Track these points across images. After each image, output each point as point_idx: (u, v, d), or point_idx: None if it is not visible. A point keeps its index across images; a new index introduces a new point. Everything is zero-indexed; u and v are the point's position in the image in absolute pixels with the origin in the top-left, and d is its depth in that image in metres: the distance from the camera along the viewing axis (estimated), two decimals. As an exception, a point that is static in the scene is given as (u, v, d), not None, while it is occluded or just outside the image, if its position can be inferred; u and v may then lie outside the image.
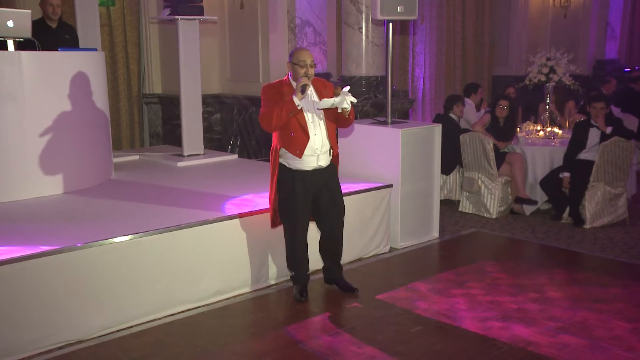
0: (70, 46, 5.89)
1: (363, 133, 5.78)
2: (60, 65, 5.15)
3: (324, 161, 4.32)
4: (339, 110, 4.15)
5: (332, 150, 4.37)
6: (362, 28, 7.30)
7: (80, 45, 6.21)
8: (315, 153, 4.25)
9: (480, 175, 6.74)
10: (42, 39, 5.31)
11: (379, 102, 7.33)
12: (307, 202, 4.34)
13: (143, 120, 8.63)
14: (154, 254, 4.15)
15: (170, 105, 8.36)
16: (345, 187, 5.24)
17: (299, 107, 4.13)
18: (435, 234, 5.96)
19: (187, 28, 6.59)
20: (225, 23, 8.41)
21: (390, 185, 5.52)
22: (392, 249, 5.61)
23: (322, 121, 4.28)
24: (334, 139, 4.36)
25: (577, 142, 6.45)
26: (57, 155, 5.13)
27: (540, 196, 6.76)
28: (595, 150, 6.30)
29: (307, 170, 4.27)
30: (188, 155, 6.72)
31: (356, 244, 5.31)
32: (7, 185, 4.89)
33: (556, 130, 7.44)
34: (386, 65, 5.96)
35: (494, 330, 3.99)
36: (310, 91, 4.26)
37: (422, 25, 9.83)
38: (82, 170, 5.38)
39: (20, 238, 3.98)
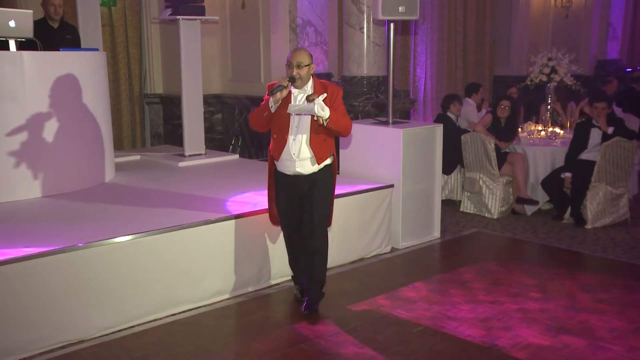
0: (72, 46, 5.90)
1: (364, 133, 5.79)
2: (61, 65, 5.15)
3: (304, 169, 4.10)
4: (315, 118, 3.96)
5: (318, 159, 4.09)
6: (363, 28, 7.30)
7: (82, 46, 6.21)
8: (292, 159, 4.08)
9: (481, 175, 6.74)
10: (44, 39, 5.31)
11: (380, 102, 7.32)
12: (293, 204, 4.21)
13: (144, 120, 8.63)
14: (155, 253, 4.15)
15: (171, 105, 8.36)
16: (346, 188, 5.26)
17: (272, 109, 4.00)
18: (436, 234, 5.96)
19: (189, 28, 6.59)
20: (226, 23, 8.42)
21: (392, 186, 5.52)
22: (393, 249, 5.61)
23: (308, 126, 4.06)
24: (322, 147, 4.10)
25: (579, 142, 6.44)
26: (58, 155, 5.13)
27: (542, 196, 6.75)
28: (596, 150, 6.30)
29: (288, 175, 4.16)
30: (189, 156, 6.73)
31: (357, 244, 5.31)
32: (9, 184, 4.89)
33: (557, 130, 7.44)
34: (387, 65, 5.96)
35: (495, 331, 3.99)
36: (302, 95, 4.06)
37: (424, 25, 9.83)
38: (83, 170, 5.38)
39: (21, 238, 3.99)
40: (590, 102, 6.56)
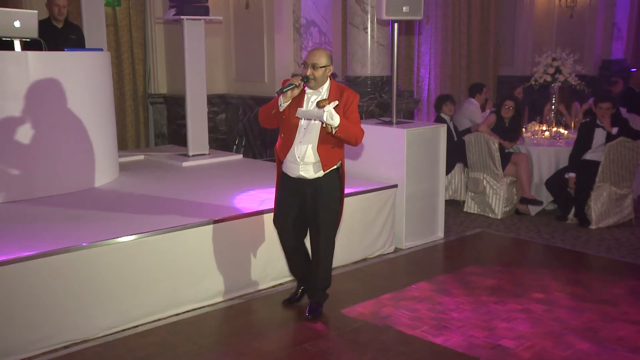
0: (76, 46, 5.91)
1: (368, 133, 5.70)
2: (66, 65, 5.16)
3: (308, 173, 3.97)
4: (323, 125, 3.81)
5: (323, 165, 3.96)
6: (367, 28, 7.29)
7: (86, 46, 6.23)
8: (297, 162, 3.95)
9: (485, 175, 6.73)
10: (49, 39, 5.33)
11: (384, 102, 7.32)
12: (292, 207, 4.08)
13: (148, 120, 8.65)
14: (159, 253, 4.16)
15: (175, 105, 8.38)
16: (350, 188, 5.25)
17: (280, 107, 3.87)
18: (440, 234, 5.95)
19: (193, 28, 6.60)
20: (230, 23, 8.42)
21: (395, 186, 5.52)
22: (397, 249, 5.61)
23: (317, 131, 3.91)
24: (329, 154, 3.96)
25: (583, 142, 6.43)
26: (62, 155, 5.15)
27: (546, 196, 6.74)
28: (600, 150, 6.28)
29: (292, 177, 4.04)
30: (193, 155, 6.73)
31: (361, 244, 5.31)
32: (13, 184, 4.91)
33: (562, 130, 7.43)
34: (391, 65, 5.94)
35: (499, 331, 3.98)
36: (316, 97, 3.92)
37: (428, 25, 9.81)
38: (87, 170, 5.39)
39: (24, 238, 4.00)
40: (595, 102, 6.55)
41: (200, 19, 6.62)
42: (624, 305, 4.38)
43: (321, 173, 3.99)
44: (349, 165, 5.95)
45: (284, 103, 3.87)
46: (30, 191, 4.98)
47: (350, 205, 5.14)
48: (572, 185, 6.37)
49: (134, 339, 3.92)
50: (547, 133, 7.38)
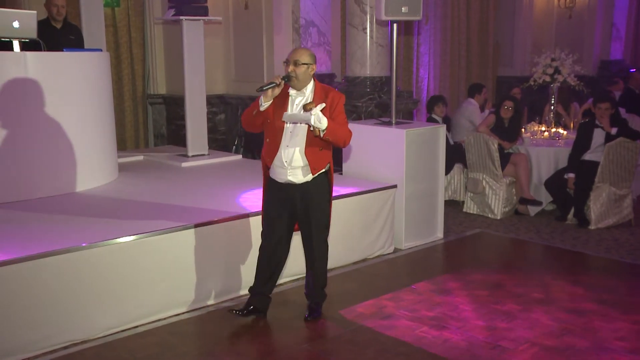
0: (75, 47, 5.91)
1: (367, 133, 5.78)
2: (65, 65, 5.16)
3: (297, 178, 3.87)
4: (311, 128, 3.72)
5: (312, 169, 3.87)
6: (366, 29, 7.29)
7: (85, 46, 6.23)
8: (284, 166, 3.85)
9: (484, 175, 6.73)
10: (47, 39, 5.33)
11: (383, 103, 7.32)
12: (282, 215, 3.98)
13: (147, 120, 8.63)
14: (159, 254, 4.16)
15: (174, 105, 8.37)
16: (349, 188, 5.26)
17: (261, 107, 3.77)
18: (439, 234, 5.95)
19: (192, 28, 6.60)
20: (229, 23, 8.42)
21: (395, 186, 5.52)
22: (396, 250, 5.61)
23: (304, 134, 3.82)
24: (317, 157, 3.86)
25: (582, 142, 6.43)
26: (61, 155, 5.14)
27: (545, 197, 6.75)
28: (599, 151, 6.29)
29: (280, 182, 3.94)
30: (192, 156, 6.73)
31: (360, 245, 5.31)
32: (12, 185, 4.90)
33: (561, 130, 7.43)
34: (390, 65, 5.95)
35: (498, 331, 3.99)
36: (301, 99, 3.85)
37: (427, 25, 9.82)
38: (86, 171, 5.39)
39: (25, 238, 4.00)
40: (594, 102, 6.55)
41: (199, 19, 6.62)
42: (624, 306, 4.39)
43: (310, 177, 3.91)
44: (348, 165, 5.96)
45: (264, 102, 3.78)
46: (29, 192, 4.97)
47: (349, 206, 5.15)
48: (572, 185, 6.37)
49: (134, 339, 3.92)
50: (546, 133, 7.38)
